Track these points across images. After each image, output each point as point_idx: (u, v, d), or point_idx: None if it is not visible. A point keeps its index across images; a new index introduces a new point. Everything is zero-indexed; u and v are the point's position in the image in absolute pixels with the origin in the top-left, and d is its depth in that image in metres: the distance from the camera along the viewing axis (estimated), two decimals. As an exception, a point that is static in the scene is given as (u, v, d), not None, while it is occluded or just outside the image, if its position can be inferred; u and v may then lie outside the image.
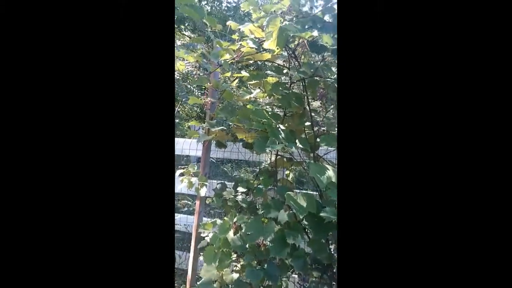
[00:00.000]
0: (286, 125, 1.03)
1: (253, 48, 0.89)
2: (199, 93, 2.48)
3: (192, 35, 4.37)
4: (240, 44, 0.95)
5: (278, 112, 1.08)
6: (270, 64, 1.07)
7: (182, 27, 3.45)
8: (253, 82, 0.99)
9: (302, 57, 1.07)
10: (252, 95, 0.91)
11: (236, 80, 1.04)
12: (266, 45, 0.82)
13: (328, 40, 0.77)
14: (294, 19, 0.85)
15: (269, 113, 1.01)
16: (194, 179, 1.19)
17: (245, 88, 0.99)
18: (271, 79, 1.05)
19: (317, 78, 0.93)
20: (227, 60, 0.89)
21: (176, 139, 1.55)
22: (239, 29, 1.01)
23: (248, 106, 1.20)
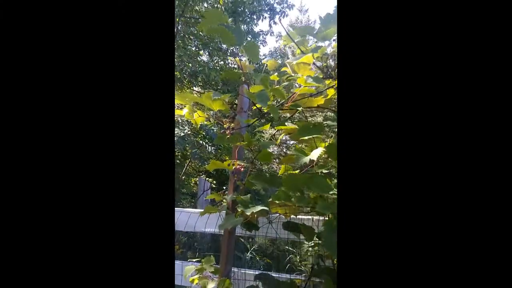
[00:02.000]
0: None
1: (312, 88, 0.59)
2: (211, 148, 2.16)
3: (202, 91, 4.34)
4: (288, 84, 0.65)
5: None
6: (320, 112, 0.76)
7: (194, 81, 3.36)
8: (306, 137, 0.66)
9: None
10: (313, 157, 0.57)
11: (282, 135, 0.72)
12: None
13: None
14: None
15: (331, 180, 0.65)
16: (211, 286, 0.77)
17: (298, 147, 0.65)
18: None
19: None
20: (275, 105, 0.57)
21: (185, 209, 1.17)
22: (279, 67, 0.74)
23: (281, 169, 0.85)
